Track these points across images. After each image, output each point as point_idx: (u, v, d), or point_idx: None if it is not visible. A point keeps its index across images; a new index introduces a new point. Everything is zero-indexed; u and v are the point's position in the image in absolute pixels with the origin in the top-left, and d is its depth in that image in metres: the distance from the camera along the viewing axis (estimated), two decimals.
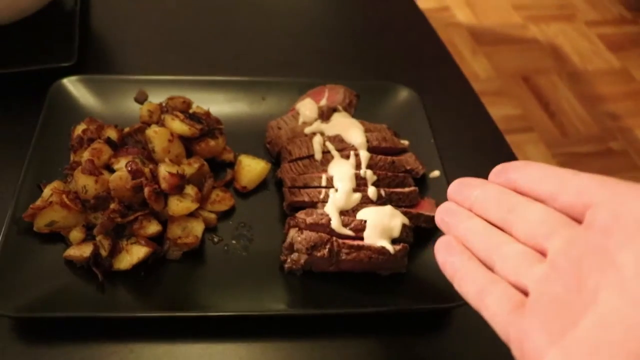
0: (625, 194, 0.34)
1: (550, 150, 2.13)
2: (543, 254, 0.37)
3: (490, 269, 0.40)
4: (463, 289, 0.41)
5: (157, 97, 0.83)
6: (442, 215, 0.46)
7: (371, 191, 0.70)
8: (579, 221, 0.36)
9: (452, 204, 0.46)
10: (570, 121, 2.23)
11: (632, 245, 0.32)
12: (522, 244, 0.39)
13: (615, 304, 0.31)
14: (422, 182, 0.78)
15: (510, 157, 0.90)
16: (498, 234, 0.41)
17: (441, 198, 0.54)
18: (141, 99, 0.84)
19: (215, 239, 0.71)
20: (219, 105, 0.84)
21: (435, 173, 0.79)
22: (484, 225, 0.42)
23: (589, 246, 0.34)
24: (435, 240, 0.69)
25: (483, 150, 0.91)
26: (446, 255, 0.44)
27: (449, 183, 0.49)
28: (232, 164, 0.78)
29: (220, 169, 0.78)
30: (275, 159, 0.80)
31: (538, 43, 2.56)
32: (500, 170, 0.43)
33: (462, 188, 0.45)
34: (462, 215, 0.44)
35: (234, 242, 0.71)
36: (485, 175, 0.45)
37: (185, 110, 0.78)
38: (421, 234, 0.71)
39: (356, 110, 0.85)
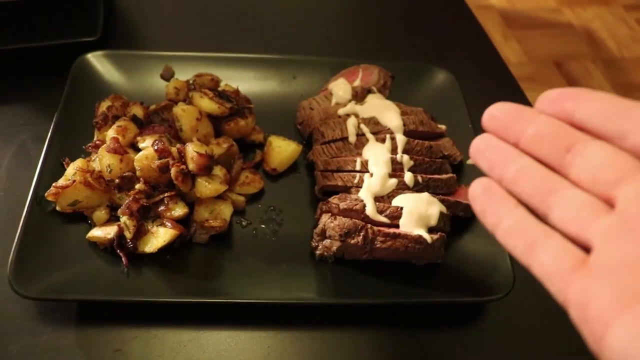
0: None
1: None
2: (610, 203, 0.32)
3: (543, 218, 0.34)
4: (509, 242, 0.34)
5: (183, 74, 0.80)
6: (483, 149, 0.37)
7: (408, 177, 0.66)
8: None
9: (492, 137, 0.37)
10: None
11: None
12: (584, 190, 0.33)
13: None
14: (458, 169, 0.74)
15: None
16: (555, 177, 0.34)
17: None
18: (167, 76, 0.81)
19: (244, 223, 0.68)
20: (248, 83, 0.81)
21: None
22: (537, 166, 0.35)
23: None
24: (473, 230, 0.69)
25: None
26: (486, 201, 0.36)
27: None
28: (261, 145, 0.76)
29: (249, 150, 0.75)
30: (307, 140, 0.77)
31: (572, 28, 2.47)
32: (554, 98, 0.35)
33: (507, 118, 0.36)
34: (509, 152, 0.36)
35: (262, 226, 0.68)
36: None
37: (213, 88, 0.75)
38: (457, 223, 0.68)
39: (390, 92, 0.81)
